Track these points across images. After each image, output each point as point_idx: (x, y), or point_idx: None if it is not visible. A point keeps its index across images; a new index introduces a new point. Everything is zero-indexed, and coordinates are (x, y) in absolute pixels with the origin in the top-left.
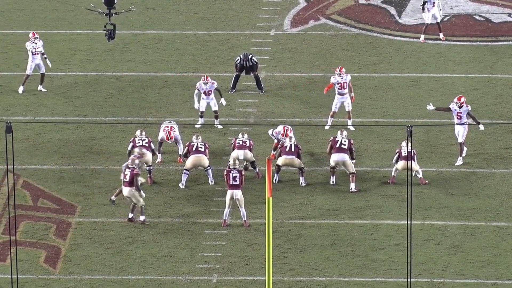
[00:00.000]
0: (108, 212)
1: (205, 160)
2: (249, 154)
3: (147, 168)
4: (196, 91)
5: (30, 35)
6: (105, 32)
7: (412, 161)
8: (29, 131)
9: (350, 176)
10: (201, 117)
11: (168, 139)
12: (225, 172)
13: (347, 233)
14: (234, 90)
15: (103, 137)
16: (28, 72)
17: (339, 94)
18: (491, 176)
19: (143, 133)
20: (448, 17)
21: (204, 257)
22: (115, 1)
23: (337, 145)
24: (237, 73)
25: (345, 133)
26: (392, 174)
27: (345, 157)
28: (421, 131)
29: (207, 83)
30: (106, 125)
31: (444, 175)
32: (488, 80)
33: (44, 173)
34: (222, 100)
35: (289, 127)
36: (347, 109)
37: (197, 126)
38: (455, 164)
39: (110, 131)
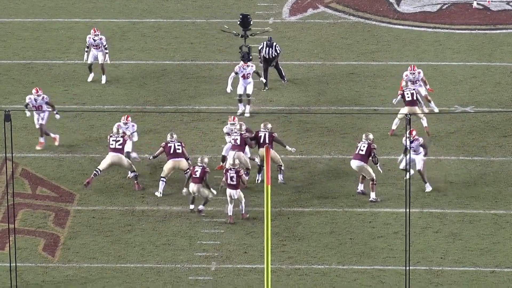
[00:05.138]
0: (107, 200)
1: (183, 163)
2: (243, 158)
3: (132, 174)
4: (233, 74)
5: (92, 31)
6: (240, 54)
7: (417, 106)
8: (27, 120)
9: (370, 183)
10: (240, 102)
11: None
12: (224, 171)
13: (346, 221)
14: (267, 87)
15: (102, 125)
16: (89, 61)
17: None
18: (490, 164)
19: (120, 130)
20: (446, 5)
21: (202, 245)
22: (251, 23)
23: (356, 151)
24: (264, 67)
25: (370, 136)
26: (392, 127)
27: (360, 163)
28: (420, 120)
29: (248, 65)
30: (104, 113)
31: (443, 163)
32: (487, 68)
33: (42, 161)
34: (262, 79)
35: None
36: (423, 94)
37: (238, 113)
38: (426, 191)
39: (108, 119)
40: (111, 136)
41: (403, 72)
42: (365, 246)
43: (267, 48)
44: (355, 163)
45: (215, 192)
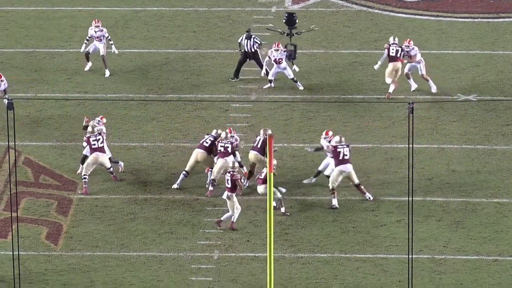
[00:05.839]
0: (110, 189)
1: (204, 155)
2: (231, 163)
3: (108, 169)
4: (267, 58)
5: (93, 22)
6: (285, 52)
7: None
8: (30, 108)
9: (357, 188)
10: (270, 82)
11: None
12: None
13: (349, 209)
14: (237, 78)
15: (104, 114)
16: (88, 49)
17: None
18: (492, 152)
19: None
20: None
21: (205, 234)
22: (297, 21)
23: (341, 157)
24: (240, 60)
25: (343, 138)
26: (389, 90)
27: (351, 167)
28: (423, 108)
29: (278, 50)
30: (107, 101)
31: (445, 151)
32: (490, 56)
33: (45, 150)
34: (295, 67)
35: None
36: (420, 74)
37: (265, 87)
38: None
39: (111, 108)
40: (89, 137)
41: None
42: (367, 235)
43: (246, 40)
44: (349, 167)
45: (283, 190)
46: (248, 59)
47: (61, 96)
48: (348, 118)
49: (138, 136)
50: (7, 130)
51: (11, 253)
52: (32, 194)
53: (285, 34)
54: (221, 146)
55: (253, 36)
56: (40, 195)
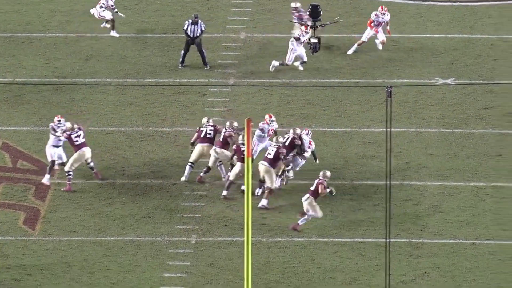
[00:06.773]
0: (87, 174)
1: (210, 149)
2: (225, 155)
3: (88, 165)
4: (292, 40)
5: None
6: (309, 45)
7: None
8: (8, 93)
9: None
10: (302, 63)
11: None
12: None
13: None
14: (183, 66)
15: (83, 99)
16: (111, 16)
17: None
18: (470, 136)
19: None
20: None
21: (183, 218)
22: (321, 13)
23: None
24: (185, 47)
25: (280, 139)
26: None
27: (270, 169)
28: (400, 92)
29: (308, 32)
30: (85, 86)
31: (423, 135)
32: (468, 40)
33: (23, 135)
34: (313, 40)
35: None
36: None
37: (271, 69)
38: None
39: (89, 93)
40: (70, 135)
41: (373, 12)
42: (345, 219)
43: (192, 26)
44: (262, 167)
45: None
46: (190, 45)
47: (39, 81)
48: (326, 102)
49: (116, 120)
50: None
51: None
52: (10, 179)
53: (309, 27)
54: (236, 145)
55: (200, 22)
56: (18, 180)
